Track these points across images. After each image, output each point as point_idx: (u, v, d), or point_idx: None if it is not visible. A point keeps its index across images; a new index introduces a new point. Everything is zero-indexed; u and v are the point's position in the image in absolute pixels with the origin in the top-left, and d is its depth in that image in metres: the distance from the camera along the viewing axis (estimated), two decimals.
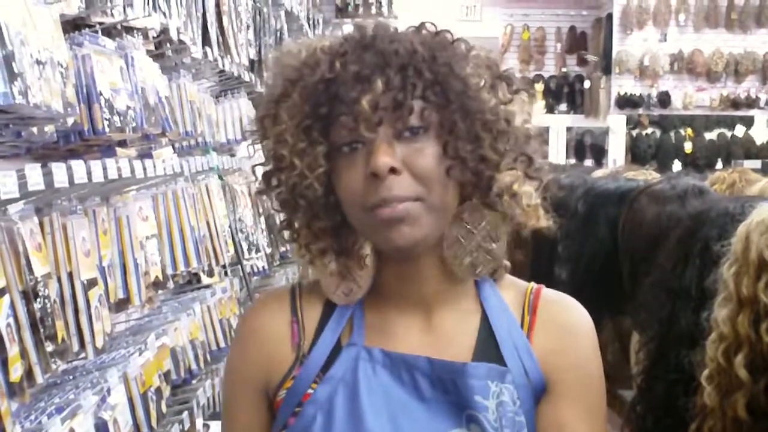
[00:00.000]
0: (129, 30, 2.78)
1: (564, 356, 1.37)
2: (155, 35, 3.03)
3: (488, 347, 1.36)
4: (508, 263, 1.42)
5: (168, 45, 3.22)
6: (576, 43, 13.73)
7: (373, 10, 13.83)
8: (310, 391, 1.34)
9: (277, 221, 1.43)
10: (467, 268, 1.35)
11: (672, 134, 13.07)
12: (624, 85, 12.73)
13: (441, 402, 1.31)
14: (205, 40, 3.73)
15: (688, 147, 12.89)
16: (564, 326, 1.39)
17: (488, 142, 1.29)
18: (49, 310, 1.88)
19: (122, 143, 2.56)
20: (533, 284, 1.45)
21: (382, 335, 1.37)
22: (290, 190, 1.32)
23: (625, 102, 12.66)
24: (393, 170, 1.25)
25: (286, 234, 1.39)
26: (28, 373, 1.76)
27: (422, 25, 1.37)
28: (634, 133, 13.09)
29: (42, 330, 1.82)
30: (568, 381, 1.37)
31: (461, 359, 1.34)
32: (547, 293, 1.43)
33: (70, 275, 2.05)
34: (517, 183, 1.33)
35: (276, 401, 1.38)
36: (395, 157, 1.25)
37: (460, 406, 1.31)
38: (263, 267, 4.78)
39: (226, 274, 4.05)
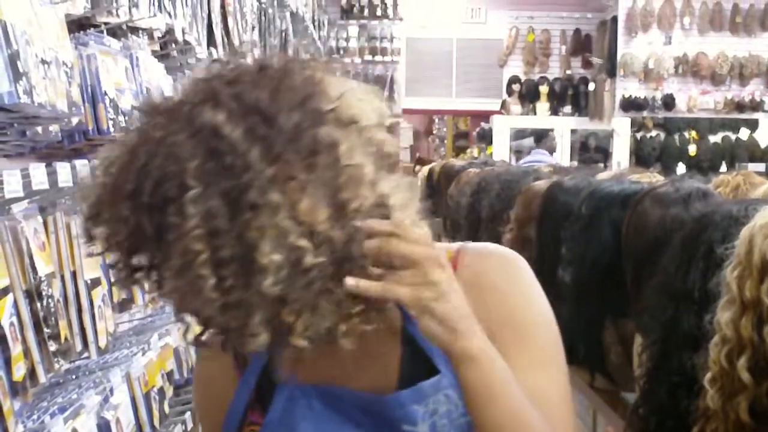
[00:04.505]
0: (134, 30, 2.79)
1: (491, 318, 1.28)
2: (160, 35, 3.03)
3: (415, 360, 1.29)
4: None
5: (173, 45, 3.23)
6: (581, 45, 13.74)
7: (379, 12, 13.84)
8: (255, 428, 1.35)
9: None
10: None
11: (676, 137, 13.07)
12: (628, 87, 12.73)
13: (378, 425, 1.29)
14: (210, 41, 3.74)
15: (692, 150, 12.90)
16: (485, 286, 1.31)
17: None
18: (52, 310, 1.88)
19: None
20: (453, 251, 1.35)
21: (308, 365, 1.27)
22: None
23: (630, 105, 12.67)
24: None
25: None
26: (31, 373, 1.77)
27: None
28: (639, 135, 13.09)
29: (45, 329, 1.82)
30: (505, 338, 1.27)
31: (388, 384, 1.30)
32: (462, 260, 1.34)
33: (74, 274, 2.05)
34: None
35: None
36: None
37: (393, 429, 1.28)
38: None
39: None
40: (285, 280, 1.06)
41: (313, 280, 1.07)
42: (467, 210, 6.13)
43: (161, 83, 2.79)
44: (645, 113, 12.84)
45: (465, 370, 1.19)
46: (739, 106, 12.63)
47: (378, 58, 13.97)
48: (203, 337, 1.19)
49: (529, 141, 12.77)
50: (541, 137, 12.31)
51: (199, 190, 1.03)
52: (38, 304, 1.81)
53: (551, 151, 11.88)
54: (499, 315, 1.30)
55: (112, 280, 1.23)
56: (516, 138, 13.18)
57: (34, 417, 1.95)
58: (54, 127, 2.06)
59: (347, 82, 1.19)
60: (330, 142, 1.09)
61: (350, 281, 1.11)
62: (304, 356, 1.23)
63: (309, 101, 1.11)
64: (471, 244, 1.38)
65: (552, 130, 12.78)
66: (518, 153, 12.89)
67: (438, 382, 1.27)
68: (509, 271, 1.35)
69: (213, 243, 1.04)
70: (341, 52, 13.88)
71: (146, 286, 1.15)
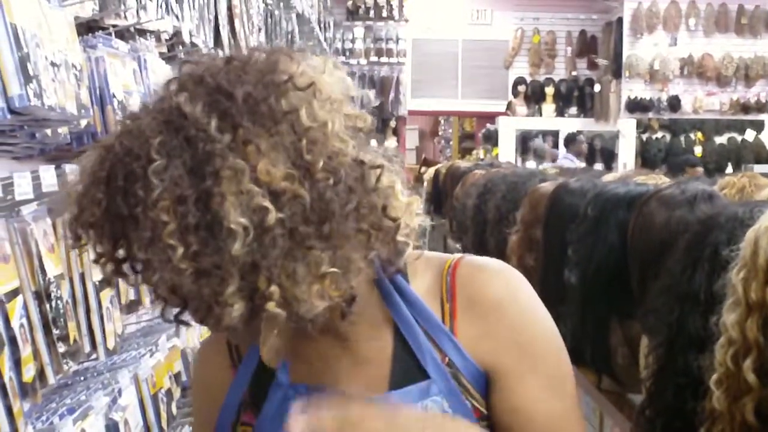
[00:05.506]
0: (142, 32, 2.80)
1: (495, 337, 1.28)
2: (168, 38, 3.04)
3: (406, 363, 1.29)
4: (410, 248, 1.23)
5: (180, 47, 3.24)
6: (586, 47, 13.75)
7: (384, 14, 13.85)
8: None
9: None
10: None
11: (682, 138, 13.08)
12: (634, 89, 12.74)
13: None
14: (217, 43, 3.75)
15: (698, 151, 12.89)
16: (486, 302, 1.29)
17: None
18: (61, 311, 1.88)
19: None
20: (452, 260, 1.34)
21: (302, 365, 1.32)
22: None
23: (635, 106, 12.68)
24: None
25: None
26: (41, 374, 1.77)
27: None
28: (644, 137, 13.09)
29: (54, 331, 1.83)
30: (511, 360, 1.28)
31: (379, 384, 1.30)
32: (463, 271, 1.32)
33: (83, 276, 2.06)
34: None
35: None
36: None
37: None
38: None
39: None
40: (252, 243, 1.07)
41: (276, 237, 1.07)
42: (473, 212, 6.14)
43: None
44: (650, 114, 12.85)
45: None
46: (745, 108, 12.63)
47: (384, 59, 14.00)
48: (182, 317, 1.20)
49: (538, 142, 12.77)
50: (570, 141, 12.29)
51: (163, 162, 1.06)
52: (47, 306, 1.82)
53: (579, 154, 11.84)
54: (503, 336, 1.29)
55: (102, 277, 1.22)
56: (523, 140, 13.19)
57: (43, 418, 1.96)
58: (63, 130, 2.06)
59: (311, 60, 1.20)
60: (289, 109, 1.12)
61: None
62: (295, 348, 1.27)
63: (267, 76, 1.14)
64: (470, 257, 1.36)
65: (581, 132, 12.77)
66: (524, 155, 12.88)
67: (427, 388, 1.28)
68: (512, 288, 1.32)
69: (179, 211, 1.06)
70: (347, 53, 13.91)
71: (131, 278, 1.16)
